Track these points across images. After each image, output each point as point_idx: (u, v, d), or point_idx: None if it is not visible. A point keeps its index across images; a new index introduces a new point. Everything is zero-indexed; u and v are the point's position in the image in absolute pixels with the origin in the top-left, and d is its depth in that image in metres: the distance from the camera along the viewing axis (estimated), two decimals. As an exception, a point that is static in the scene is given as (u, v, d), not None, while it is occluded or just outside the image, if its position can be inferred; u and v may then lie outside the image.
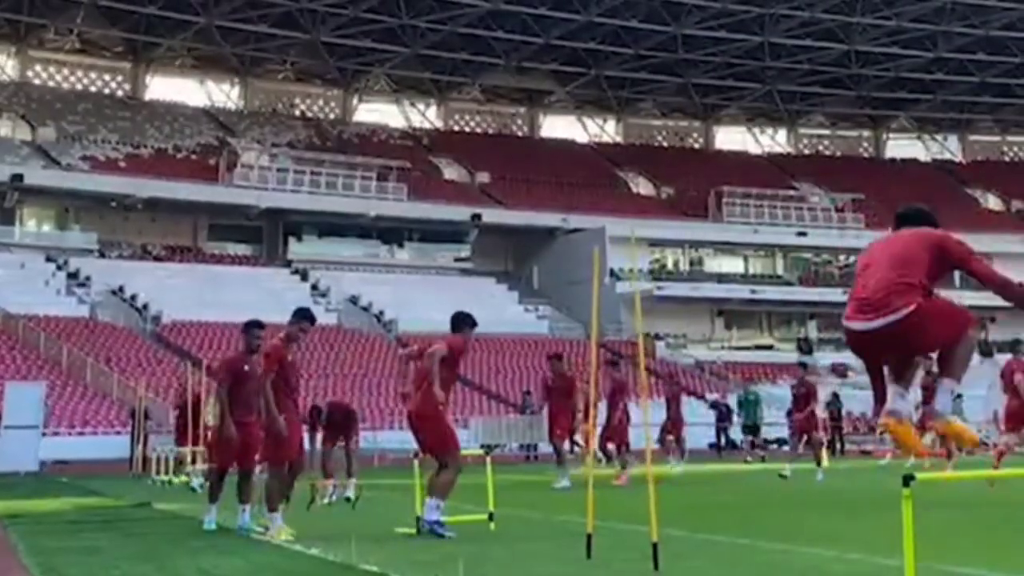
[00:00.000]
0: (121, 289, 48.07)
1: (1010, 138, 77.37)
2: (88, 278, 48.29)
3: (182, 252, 54.12)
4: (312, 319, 11.15)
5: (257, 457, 11.27)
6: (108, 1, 55.92)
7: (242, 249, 56.18)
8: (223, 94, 64.60)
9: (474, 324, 10.79)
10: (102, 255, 51.27)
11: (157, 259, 52.57)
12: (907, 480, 5.06)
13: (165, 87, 62.71)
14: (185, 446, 20.10)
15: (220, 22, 57.47)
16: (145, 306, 46.99)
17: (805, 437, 21.24)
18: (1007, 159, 77.19)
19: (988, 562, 7.39)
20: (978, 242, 66.12)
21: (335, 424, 15.92)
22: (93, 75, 61.59)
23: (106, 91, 61.62)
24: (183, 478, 19.70)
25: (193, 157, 56.84)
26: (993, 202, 70.62)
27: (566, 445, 19.25)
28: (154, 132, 57.88)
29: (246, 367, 11.01)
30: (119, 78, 62.22)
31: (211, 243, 55.64)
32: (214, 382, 14.46)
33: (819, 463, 20.18)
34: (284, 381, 10.50)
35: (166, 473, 20.75)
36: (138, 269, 50.01)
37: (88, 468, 27.27)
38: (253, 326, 11.20)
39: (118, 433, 31.24)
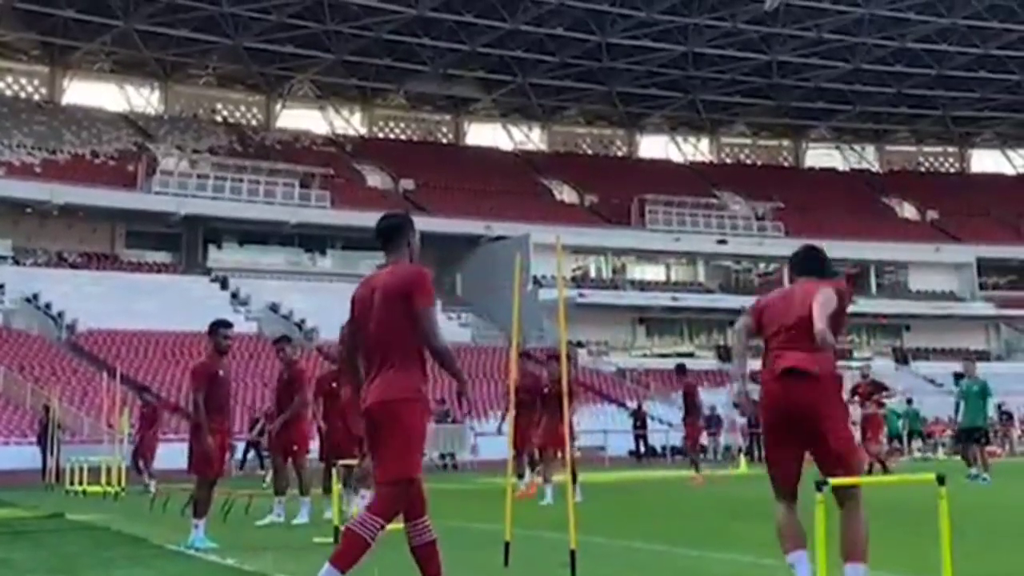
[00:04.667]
0: (36, 297, 47.09)
1: (926, 148, 79.01)
2: (2, 286, 47.26)
3: (99, 260, 53.16)
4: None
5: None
6: (25, 3, 54.87)
7: (161, 257, 55.36)
8: (142, 99, 63.63)
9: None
10: (16, 262, 50.21)
11: (73, 267, 51.54)
12: (819, 485, 5.11)
13: (83, 91, 61.59)
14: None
15: (140, 26, 56.61)
16: (60, 314, 46.07)
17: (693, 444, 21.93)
18: (922, 169, 78.76)
19: (900, 565, 7.48)
20: (894, 251, 67.98)
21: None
22: (9, 79, 60.37)
23: (22, 95, 60.41)
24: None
25: (111, 163, 55.90)
26: (909, 211, 71.96)
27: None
28: (71, 137, 56.82)
29: (220, 371, 10.70)
30: (36, 82, 61.07)
31: (129, 251, 54.69)
32: (132, 392, 14.23)
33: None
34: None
35: (79, 483, 20.44)
36: (53, 277, 49.00)
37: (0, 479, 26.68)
38: (220, 326, 10.82)
39: (31, 443, 30.62)
